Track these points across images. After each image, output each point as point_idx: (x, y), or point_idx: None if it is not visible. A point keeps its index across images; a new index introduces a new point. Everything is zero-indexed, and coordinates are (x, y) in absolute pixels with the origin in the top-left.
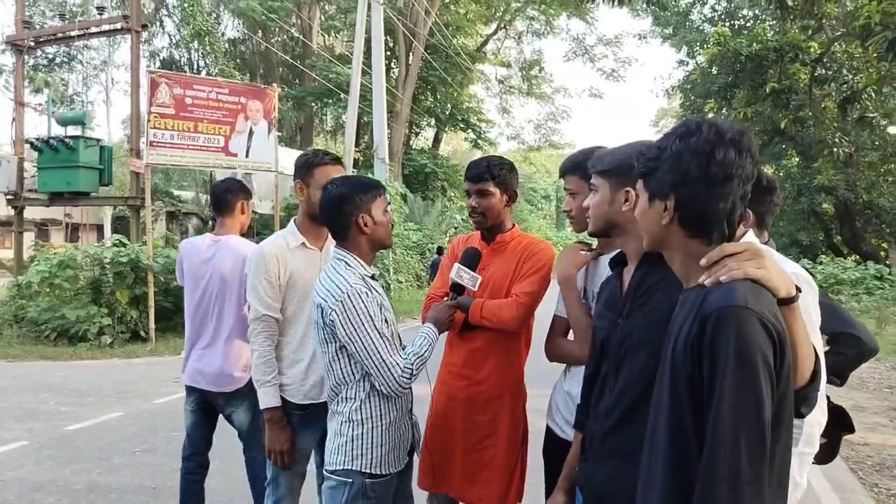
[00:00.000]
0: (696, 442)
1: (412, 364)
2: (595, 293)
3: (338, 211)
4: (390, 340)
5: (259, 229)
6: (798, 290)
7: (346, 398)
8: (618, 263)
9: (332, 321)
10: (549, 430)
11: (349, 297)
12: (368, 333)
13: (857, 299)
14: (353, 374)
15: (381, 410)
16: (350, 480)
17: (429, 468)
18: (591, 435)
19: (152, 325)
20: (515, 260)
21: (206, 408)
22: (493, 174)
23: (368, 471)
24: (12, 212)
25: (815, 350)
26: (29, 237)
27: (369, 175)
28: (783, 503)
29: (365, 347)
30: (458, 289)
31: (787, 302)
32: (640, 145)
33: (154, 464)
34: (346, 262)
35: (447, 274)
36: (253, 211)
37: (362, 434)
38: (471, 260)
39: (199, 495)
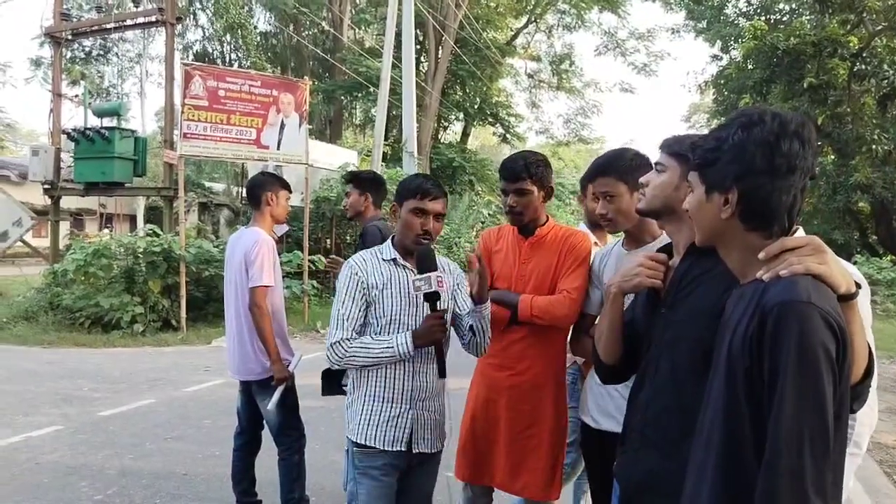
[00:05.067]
0: (752, 437)
1: (349, 348)
2: None
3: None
4: (348, 313)
5: (288, 221)
6: (858, 286)
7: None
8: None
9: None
10: (583, 425)
11: (346, 264)
12: (336, 299)
13: (893, 300)
14: None
15: (367, 382)
16: (348, 448)
17: (469, 460)
18: (629, 426)
19: (183, 314)
20: (556, 253)
21: (249, 391)
22: (531, 172)
23: (354, 439)
24: (49, 201)
25: (868, 346)
26: (64, 226)
27: (398, 169)
28: (839, 500)
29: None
30: (432, 297)
31: (846, 298)
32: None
33: (185, 451)
34: (382, 246)
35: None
36: None
37: (352, 402)
38: (425, 263)
39: (245, 473)
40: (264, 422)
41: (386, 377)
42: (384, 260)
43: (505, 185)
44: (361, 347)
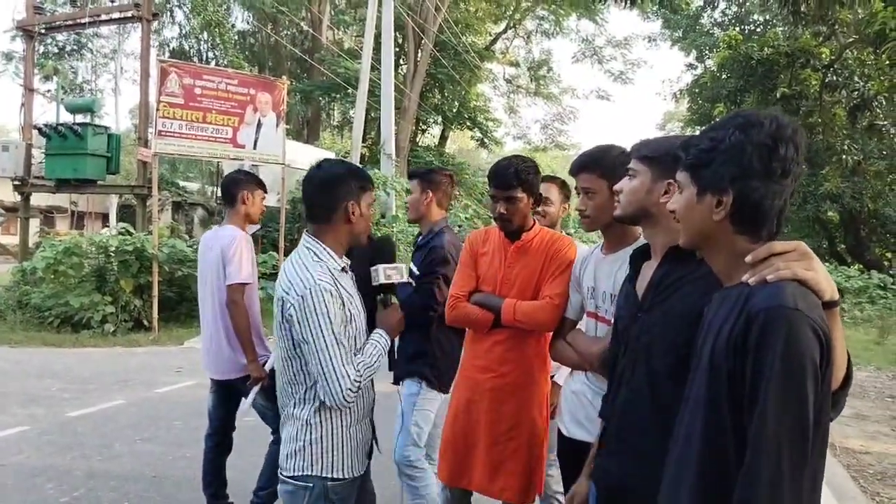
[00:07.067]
0: (733, 440)
1: (361, 376)
2: (604, 291)
3: (328, 191)
4: (346, 347)
5: (265, 222)
6: (841, 294)
7: (304, 400)
8: (636, 259)
9: (290, 316)
10: (559, 431)
11: (311, 293)
12: (324, 336)
13: (860, 308)
14: (312, 374)
15: (341, 412)
16: (310, 485)
17: (448, 461)
18: (606, 429)
19: (155, 314)
20: (541, 259)
21: (220, 391)
22: (522, 180)
23: (329, 475)
24: (19, 198)
25: (847, 354)
26: (34, 224)
27: (376, 171)
28: None
29: (318, 350)
30: (390, 288)
31: (830, 305)
32: (684, 137)
33: (155, 452)
34: (314, 253)
35: (466, 272)
36: None
37: (321, 437)
38: (390, 254)
39: (215, 474)
40: (236, 423)
41: (360, 400)
42: (338, 270)
43: (495, 192)
44: (367, 369)
